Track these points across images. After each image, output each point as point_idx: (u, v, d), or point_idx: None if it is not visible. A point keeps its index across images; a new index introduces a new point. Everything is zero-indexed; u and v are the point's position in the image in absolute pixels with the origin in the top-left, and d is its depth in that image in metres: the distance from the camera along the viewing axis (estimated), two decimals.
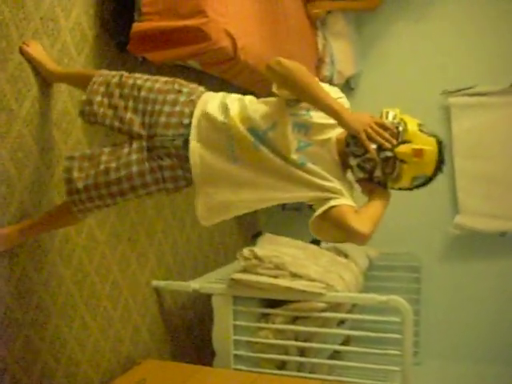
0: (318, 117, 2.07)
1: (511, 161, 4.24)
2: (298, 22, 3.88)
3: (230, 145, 2.06)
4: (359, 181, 2.11)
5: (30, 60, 2.41)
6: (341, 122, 1.98)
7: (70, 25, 2.66)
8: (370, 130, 1.96)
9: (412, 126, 2.01)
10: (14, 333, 2.38)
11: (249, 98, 2.15)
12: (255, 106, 2.10)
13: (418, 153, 1.97)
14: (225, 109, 2.09)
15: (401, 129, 2.00)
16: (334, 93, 2.12)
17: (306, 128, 2.06)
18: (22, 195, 2.40)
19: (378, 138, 1.96)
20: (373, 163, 2.01)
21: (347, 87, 4.63)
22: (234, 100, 2.14)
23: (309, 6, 4.15)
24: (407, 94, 4.39)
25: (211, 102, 2.13)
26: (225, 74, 3.12)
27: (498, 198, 4.28)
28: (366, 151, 1.98)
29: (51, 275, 2.59)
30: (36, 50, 2.42)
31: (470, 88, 4.27)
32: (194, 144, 2.08)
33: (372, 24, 4.64)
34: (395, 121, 2.02)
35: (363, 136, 1.95)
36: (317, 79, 2.04)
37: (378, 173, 2.02)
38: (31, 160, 2.44)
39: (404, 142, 1.98)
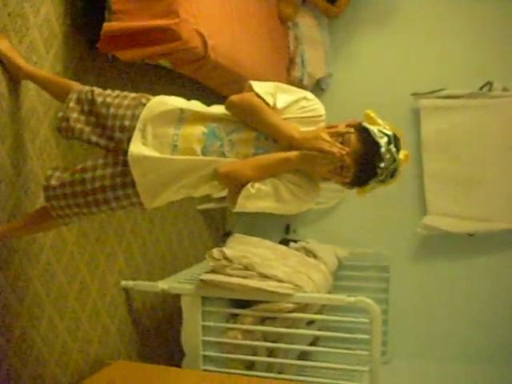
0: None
1: (479, 162, 4.30)
2: (269, 23, 3.88)
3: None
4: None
5: None
6: (292, 142, 2.03)
7: (38, 21, 2.62)
8: (323, 145, 1.97)
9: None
10: None
11: None
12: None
13: (407, 158, 2.05)
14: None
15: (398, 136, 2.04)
16: (293, 94, 2.14)
17: None
18: None
19: (333, 149, 1.96)
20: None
21: (318, 88, 4.65)
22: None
23: (281, 5, 4.11)
24: (377, 96, 4.42)
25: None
26: (196, 73, 3.11)
27: (466, 199, 4.33)
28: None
29: (18, 275, 2.55)
30: (4, 45, 2.38)
31: (440, 90, 4.32)
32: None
33: (343, 27, 4.66)
34: (386, 127, 2.03)
35: (323, 146, 1.97)
36: (265, 107, 2.06)
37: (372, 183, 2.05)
38: None
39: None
